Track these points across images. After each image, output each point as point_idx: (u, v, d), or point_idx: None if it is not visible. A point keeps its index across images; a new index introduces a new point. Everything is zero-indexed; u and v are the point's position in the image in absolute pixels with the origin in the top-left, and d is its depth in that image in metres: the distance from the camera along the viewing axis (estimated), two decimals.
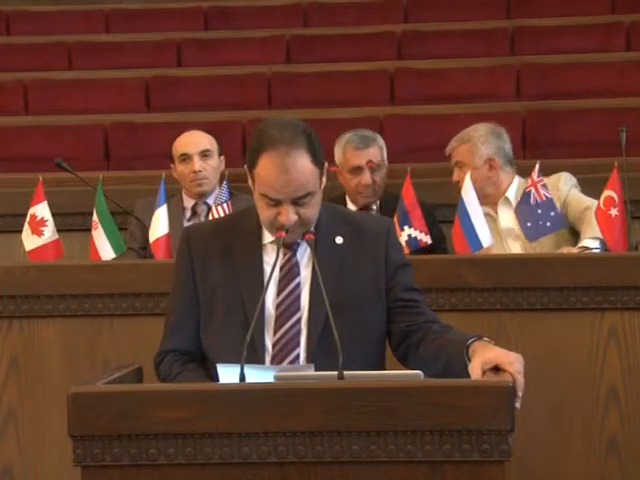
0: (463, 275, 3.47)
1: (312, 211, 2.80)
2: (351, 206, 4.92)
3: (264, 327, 2.79)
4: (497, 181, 4.56)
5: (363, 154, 4.90)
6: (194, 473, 2.38)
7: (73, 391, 2.39)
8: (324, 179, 2.84)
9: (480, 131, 4.61)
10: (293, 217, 2.76)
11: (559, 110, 6.27)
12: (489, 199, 4.55)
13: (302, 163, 2.74)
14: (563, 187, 4.41)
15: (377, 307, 2.86)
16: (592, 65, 6.82)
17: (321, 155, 2.80)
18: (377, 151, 4.92)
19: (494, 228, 4.46)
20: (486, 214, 4.35)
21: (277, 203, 2.76)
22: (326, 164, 2.85)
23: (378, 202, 4.90)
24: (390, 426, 2.33)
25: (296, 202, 2.75)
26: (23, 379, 3.54)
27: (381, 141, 4.99)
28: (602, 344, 3.43)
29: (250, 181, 2.83)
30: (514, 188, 4.55)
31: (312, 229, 2.82)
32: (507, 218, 4.52)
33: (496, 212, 4.56)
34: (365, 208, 4.91)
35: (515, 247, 4.44)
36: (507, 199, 4.55)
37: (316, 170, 2.78)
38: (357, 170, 4.88)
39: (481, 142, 4.56)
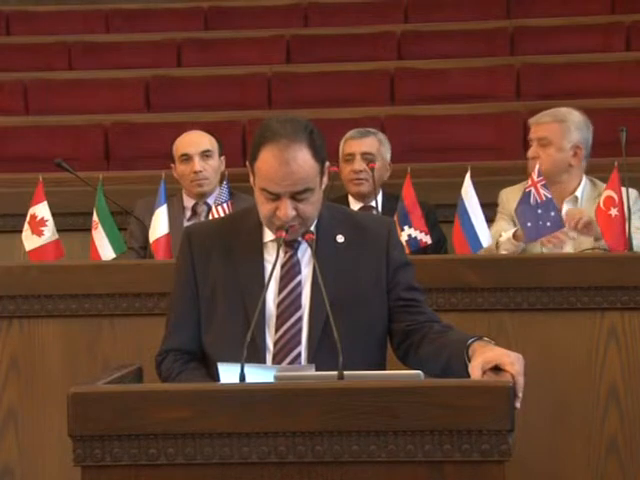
0: (463, 275, 3.46)
1: (311, 208, 2.79)
2: (353, 206, 4.92)
3: (265, 325, 2.78)
4: (574, 170, 4.41)
5: (357, 143, 4.96)
6: (194, 473, 2.38)
7: (73, 391, 2.39)
8: (325, 179, 2.84)
9: (575, 116, 4.49)
10: (291, 212, 2.74)
11: None
12: (558, 187, 4.38)
13: (302, 157, 2.73)
14: (632, 207, 4.22)
15: (378, 306, 2.86)
16: (592, 65, 6.82)
17: (323, 153, 2.79)
18: (373, 142, 4.95)
19: None
20: None
21: (276, 197, 2.75)
22: (327, 163, 2.85)
23: (380, 201, 4.89)
24: (390, 426, 2.33)
25: (295, 197, 2.75)
26: (23, 379, 3.54)
27: (381, 135, 5.03)
28: (602, 344, 3.42)
29: (251, 177, 2.83)
30: (582, 187, 4.46)
31: (312, 228, 2.82)
32: None
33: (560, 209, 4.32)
34: (365, 204, 4.92)
35: (568, 247, 4.27)
36: (576, 198, 4.45)
37: (317, 166, 2.77)
38: (349, 157, 4.95)
39: (575, 127, 4.45)
